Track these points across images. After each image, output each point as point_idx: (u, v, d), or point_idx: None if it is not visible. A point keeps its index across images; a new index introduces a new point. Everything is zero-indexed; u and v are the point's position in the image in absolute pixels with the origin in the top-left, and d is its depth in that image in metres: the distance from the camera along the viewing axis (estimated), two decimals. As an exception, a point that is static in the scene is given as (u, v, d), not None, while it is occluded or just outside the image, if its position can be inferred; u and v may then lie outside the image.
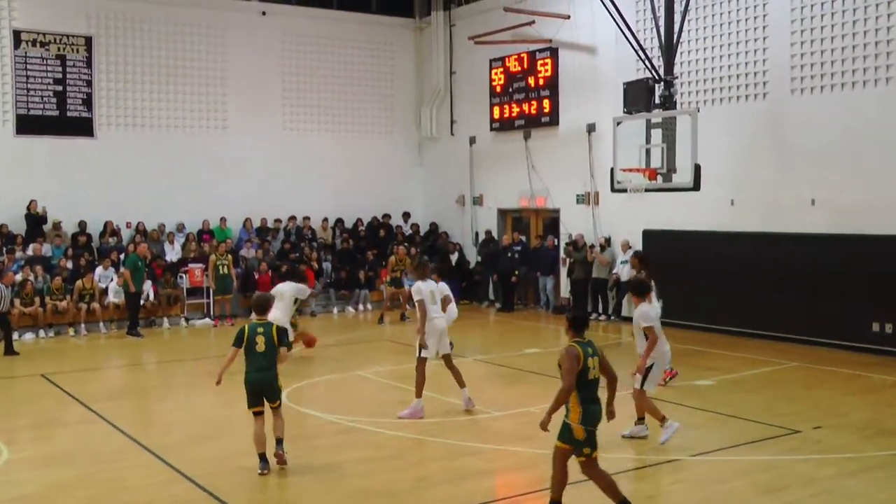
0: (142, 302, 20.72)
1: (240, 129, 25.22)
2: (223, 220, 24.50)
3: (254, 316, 10.12)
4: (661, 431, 10.51)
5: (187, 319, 21.85)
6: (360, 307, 24.22)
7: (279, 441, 10.00)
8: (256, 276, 22.53)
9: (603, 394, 8.07)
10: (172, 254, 23.26)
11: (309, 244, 24.99)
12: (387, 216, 27.06)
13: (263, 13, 25.57)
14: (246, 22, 25.38)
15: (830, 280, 17.06)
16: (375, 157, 27.37)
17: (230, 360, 9.80)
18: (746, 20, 18.80)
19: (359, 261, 24.81)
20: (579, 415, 7.75)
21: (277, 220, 25.48)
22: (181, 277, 22.25)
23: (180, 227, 24.10)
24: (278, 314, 15.60)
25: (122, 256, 21.98)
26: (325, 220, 26.22)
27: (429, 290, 12.34)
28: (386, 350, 18.21)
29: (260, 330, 9.75)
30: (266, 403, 9.78)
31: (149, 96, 24.07)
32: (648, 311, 10.83)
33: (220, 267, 21.72)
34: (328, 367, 15.95)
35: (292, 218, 25.66)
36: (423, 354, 12.22)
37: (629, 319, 20.84)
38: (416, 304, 12.22)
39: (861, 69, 16.81)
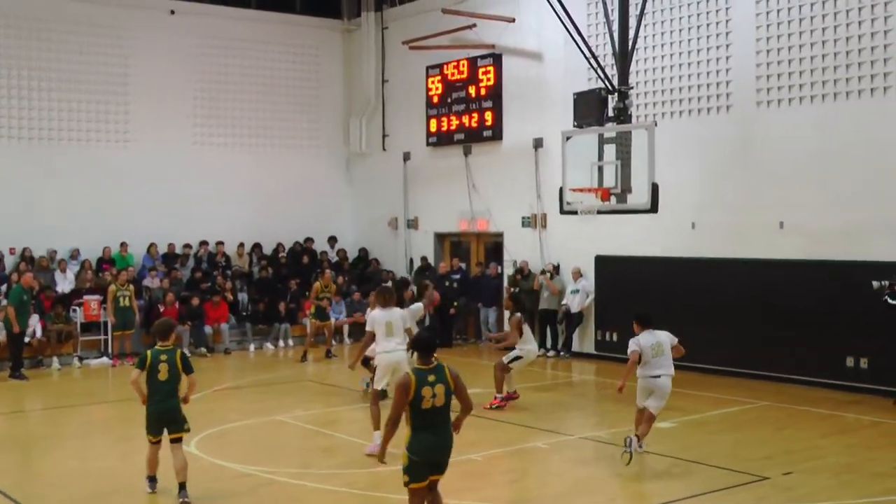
0: (26, 339, 20.16)
1: (144, 143, 24.86)
2: (124, 245, 24.07)
3: (157, 342, 10.45)
4: None
5: (81, 359, 21.32)
6: (281, 343, 23.95)
7: (182, 486, 10.18)
8: (161, 309, 22.14)
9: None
10: (65, 284, 22.75)
11: (223, 273, 24.69)
12: (310, 240, 26.88)
13: (172, 12, 25.32)
14: (152, 21, 25.07)
15: (801, 311, 17.27)
16: (298, 175, 27.21)
17: (134, 384, 10.29)
18: (708, 25, 19.10)
19: (279, 291, 24.56)
20: (407, 441, 8.10)
21: (187, 246, 25.15)
22: (74, 311, 21.74)
23: (74, 254, 23.62)
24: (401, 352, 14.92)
25: (3, 288, 21.44)
26: (241, 245, 25.95)
27: (385, 320, 12.55)
28: (309, 392, 17.98)
29: (163, 357, 10.23)
30: (166, 434, 10.22)
31: (37, 105, 23.63)
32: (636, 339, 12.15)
33: (121, 299, 21.31)
34: (243, 411, 15.67)
35: (204, 243, 25.36)
36: (375, 386, 12.66)
37: (582, 355, 21.09)
38: (366, 333, 12.77)
39: (832, 80, 17.14)
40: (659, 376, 11.99)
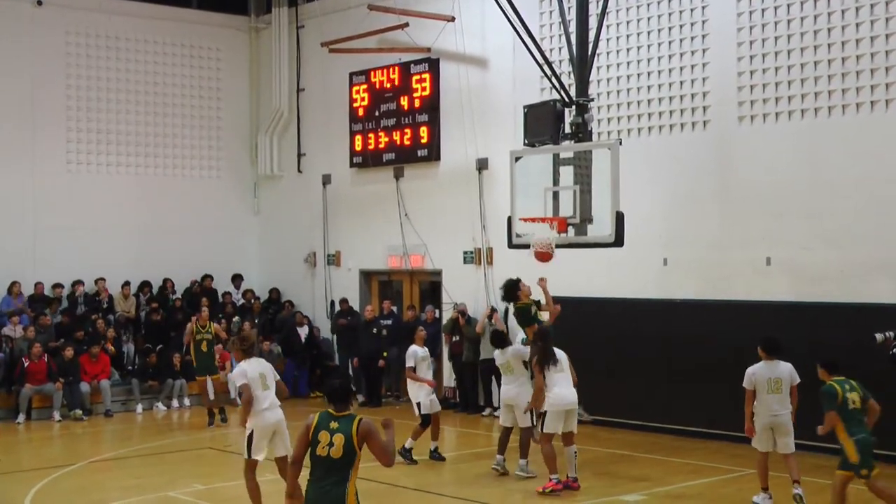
0: None
1: (6, 163, 24.50)
2: (-23, 286, 23.73)
3: None
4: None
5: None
6: (175, 403, 23.64)
7: None
8: (26, 364, 21.73)
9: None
10: None
11: (104, 317, 24.30)
12: (208, 278, 26.64)
13: (39, 3, 25.04)
14: (13, 13, 24.75)
15: (793, 363, 17.31)
16: (195, 202, 27.07)
17: None
18: (681, 27, 19.29)
19: (173, 340, 24.26)
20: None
21: (58, 286, 24.73)
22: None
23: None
24: (515, 390, 15.62)
25: None
26: (127, 284, 25.56)
27: (257, 372, 12.68)
28: (209, 461, 17.78)
29: None
30: None
31: None
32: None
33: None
34: (126, 487, 15.39)
35: (78, 283, 24.93)
36: (254, 455, 12.69)
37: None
38: (240, 388, 12.67)
39: (826, 92, 17.35)
40: (779, 414, 13.28)
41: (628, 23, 19.99)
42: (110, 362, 23.35)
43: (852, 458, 11.81)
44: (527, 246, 17.26)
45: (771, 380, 13.25)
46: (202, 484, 15.53)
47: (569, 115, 17.35)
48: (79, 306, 24.70)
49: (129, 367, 24.22)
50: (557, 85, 17.73)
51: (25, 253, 24.49)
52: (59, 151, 25.36)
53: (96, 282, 25.10)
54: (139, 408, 23.37)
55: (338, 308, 25.18)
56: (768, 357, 13.46)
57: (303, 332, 25.28)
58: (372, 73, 24.74)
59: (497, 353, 16.12)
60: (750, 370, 13.45)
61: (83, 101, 25.67)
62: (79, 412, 22.13)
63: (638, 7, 19.87)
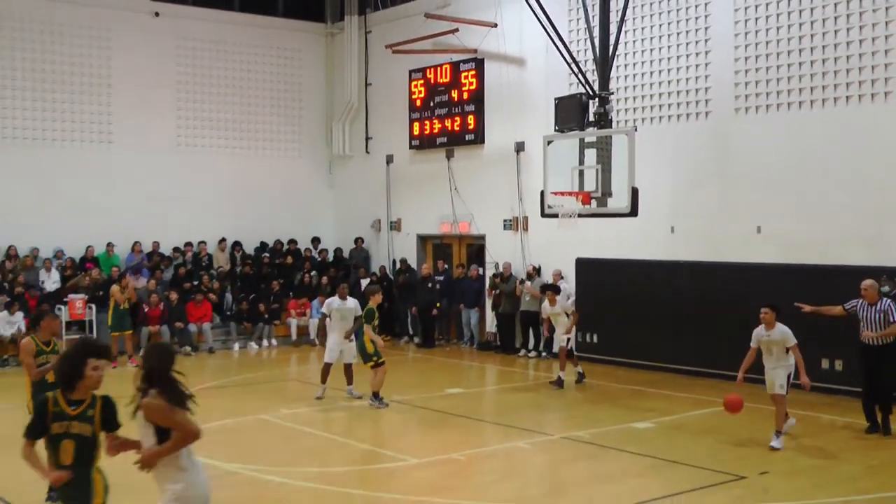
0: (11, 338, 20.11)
1: (128, 144, 24.85)
2: (111, 245, 24.07)
3: None
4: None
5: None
6: (265, 342, 24.01)
7: None
8: (146, 310, 22.15)
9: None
10: (50, 283, 22.74)
11: (207, 272, 24.71)
12: (292, 241, 26.91)
13: (156, 14, 25.32)
14: (135, 23, 25.06)
15: (781, 318, 17.36)
16: (281, 177, 27.28)
17: None
18: (688, 32, 19.26)
19: (261, 291, 24.61)
20: None
21: (177, 250, 25.17)
22: (59, 310, 21.64)
23: (58, 254, 23.58)
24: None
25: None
26: (223, 240, 25.91)
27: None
28: (291, 391, 18.05)
29: None
30: None
31: (21, 104, 23.58)
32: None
33: (124, 302, 21.22)
34: (225, 408, 15.63)
35: (188, 245, 25.35)
36: None
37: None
38: None
39: (809, 88, 17.31)
40: None
41: (643, 28, 19.96)
42: (212, 309, 23.75)
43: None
44: (556, 215, 17.41)
45: None
46: (287, 409, 15.80)
47: (593, 106, 17.46)
48: (186, 264, 25.09)
49: (228, 313, 24.62)
50: (583, 80, 17.82)
51: (141, 219, 24.67)
52: (169, 135, 25.64)
53: (198, 244, 25.52)
54: (236, 346, 23.74)
55: (398, 266, 25.44)
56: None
57: (364, 282, 25.33)
58: (428, 71, 24.82)
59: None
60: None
61: (189, 94, 25.92)
62: (188, 349, 22.57)
63: (651, 15, 19.84)
